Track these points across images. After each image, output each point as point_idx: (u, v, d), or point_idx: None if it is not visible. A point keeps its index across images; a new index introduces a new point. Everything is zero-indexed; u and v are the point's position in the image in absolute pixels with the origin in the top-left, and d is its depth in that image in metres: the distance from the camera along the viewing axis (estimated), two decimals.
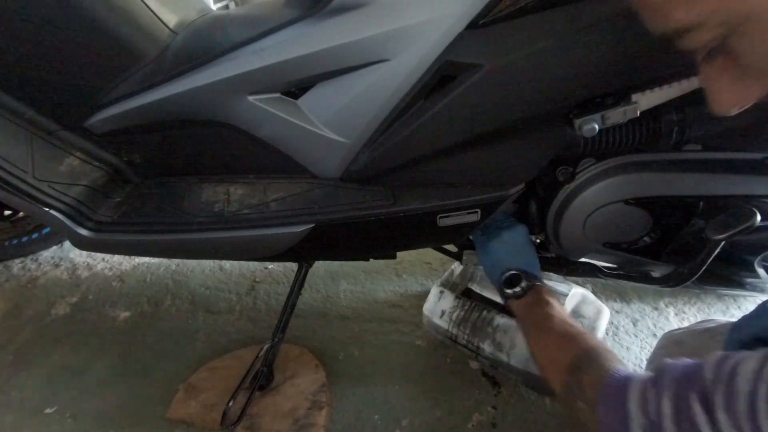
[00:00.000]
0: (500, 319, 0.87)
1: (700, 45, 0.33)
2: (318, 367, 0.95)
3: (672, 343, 0.71)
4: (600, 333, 0.88)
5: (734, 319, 0.55)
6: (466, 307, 0.91)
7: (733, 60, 0.33)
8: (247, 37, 0.66)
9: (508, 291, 0.72)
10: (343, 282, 1.21)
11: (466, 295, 0.96)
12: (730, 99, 0.35)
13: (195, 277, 1.28)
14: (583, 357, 0.55)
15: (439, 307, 0.94)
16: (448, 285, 0.98)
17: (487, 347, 0.86)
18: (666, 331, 0.73)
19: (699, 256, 0.67)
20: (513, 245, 0.76)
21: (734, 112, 0.35)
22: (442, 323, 0.92)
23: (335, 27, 0.61)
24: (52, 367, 1.04)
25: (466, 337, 0.89)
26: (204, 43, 0.70)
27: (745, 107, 0.35)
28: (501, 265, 0.75)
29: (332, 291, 1.19)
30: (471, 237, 0.82)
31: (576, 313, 0.94)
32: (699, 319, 1.02)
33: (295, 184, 0.76)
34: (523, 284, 0.71)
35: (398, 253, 0.93)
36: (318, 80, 0.66)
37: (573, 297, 0.91)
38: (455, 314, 0.91)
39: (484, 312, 0.89)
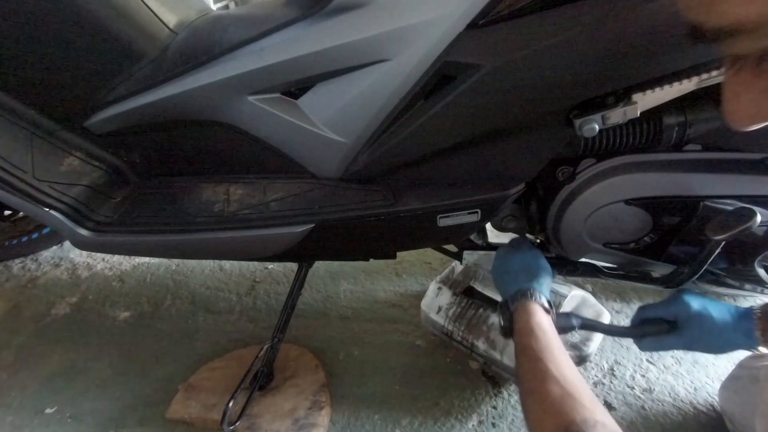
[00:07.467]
0: (495, 318, 0.87)
1: (746, 51, 0.29)
2: (318, 367, 0.95)
3: (748, 377, 0.69)
4: (598, 337, 0.88)
5: None
6: (463, 304, 0.91)
7: (766, 75, 0.29)
8: (247, 37, 0.66)
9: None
10: (343, 282, 1.21)
11: (468, 293, 0.96)
12: (749, 115, 0.32)
13: (195, 277, 1.28)
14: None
15: (436, 302, 0.94)
16: (448, 282, 0.98)
17: (481, 345, 0.86)
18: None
19: (699, 256, 0.67)
20: (514, 270, 0.70)
21: (750, 128, 0.32)
22: (438, 319, 0.92)
23: (335, 27, 0.61)
24: (52, 367, 1.04)
25: (461, 333, 0.89)
26: (204, 43, 0.70)
27: (761, 125, 0.32)
28: (502, 293, 0.68)
29: (332, 291, 1.19)
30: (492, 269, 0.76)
31: (576, 315, 0.94)
32: None
33: (295, 184, 0.76)
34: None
35: (398, 253, 0.93)
36: (318, 80, 0.66)
37: (573, 299, 0.91)
38: (451, 311, 0.91)
39: (480, 310, 0.90)
